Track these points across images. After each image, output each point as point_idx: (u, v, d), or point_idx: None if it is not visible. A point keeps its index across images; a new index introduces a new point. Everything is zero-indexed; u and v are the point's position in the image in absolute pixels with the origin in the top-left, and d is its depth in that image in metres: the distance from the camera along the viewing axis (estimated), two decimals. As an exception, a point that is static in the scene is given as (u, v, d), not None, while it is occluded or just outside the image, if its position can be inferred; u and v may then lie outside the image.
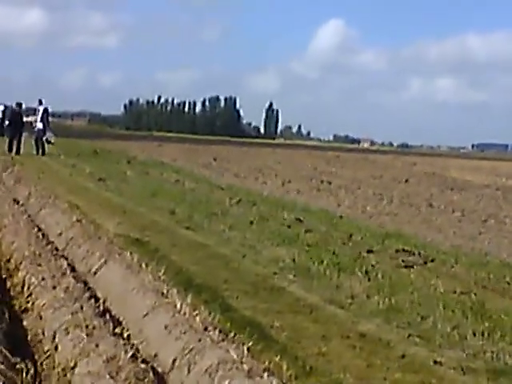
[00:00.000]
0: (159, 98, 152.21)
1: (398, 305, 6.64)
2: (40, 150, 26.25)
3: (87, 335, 4.20)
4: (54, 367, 4.18)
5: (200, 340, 3.97)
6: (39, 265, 6.02)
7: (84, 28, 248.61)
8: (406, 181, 25.78)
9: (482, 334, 5.83)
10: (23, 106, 27.79)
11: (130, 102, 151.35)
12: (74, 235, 7.48)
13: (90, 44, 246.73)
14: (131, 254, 6.33)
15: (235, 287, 6.98)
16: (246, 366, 3.52)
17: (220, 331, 4.16)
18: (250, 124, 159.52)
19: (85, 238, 7.18)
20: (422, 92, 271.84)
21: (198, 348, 3.89)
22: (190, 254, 8.66)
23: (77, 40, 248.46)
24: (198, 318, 4.36)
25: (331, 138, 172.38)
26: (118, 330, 4.52)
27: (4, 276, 6.40)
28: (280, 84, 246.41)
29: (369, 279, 7.62)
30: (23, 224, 8.11)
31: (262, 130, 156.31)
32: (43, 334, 4.71)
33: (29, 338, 4.87)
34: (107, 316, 4.76)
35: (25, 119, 26.96)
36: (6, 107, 31.89)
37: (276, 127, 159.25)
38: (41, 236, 7.53)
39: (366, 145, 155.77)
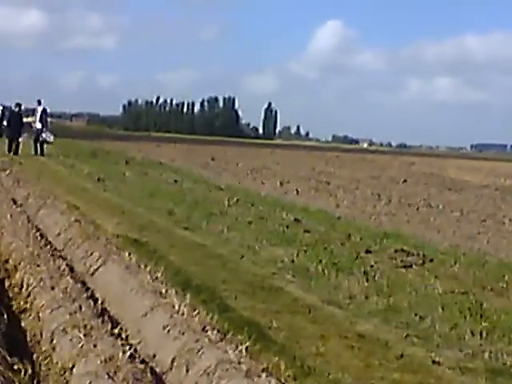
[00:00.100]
0: (158, 98, 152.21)
1: (397, 305, 6.65)
2: (39, 151, 26.24)
3: (85, 335, 4.20)
4: (52, 367, 4.18)
5: (198, 340, 3.97)
6: (38, 265, 6.02)
7: (82, 29, 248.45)
8: (405, 181, 25.78)
9: (481, 334, 5.83)
10: (22, 107, 27.76)
11: (129, 103, 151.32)
12: (72, 236, 7.48)
13: (88, 45, 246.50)
14: (130, 254, 6.33)
15: (233, 287, 6.99)
16: (244, 366, 3.53)
17: (218, 331, 4.17)
18: (248, 124, 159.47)
19: (83, 238, 7.18)
20: (421, 92, 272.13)
21: (196, 348, 3.90)
22: (189, 254, 8.67)
23: (75, 41, 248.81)
24: (196, 319, 4.37)
25: (330, 138, 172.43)
26: (116, 331, 4.52)
27: (2, 276, 6.39)
28: (279, 84, 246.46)
29: (367, 279, 7.62)
30: (22, 224, 8.11)
31: (261, 131, 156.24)
32: (41, 334, 4.71)
33: (27, 338, 4.87)
34: (105, 316, 4.76)
35: (24, 120, 26.94)
36: (4, 107, 31.87)
37: (275, 128, 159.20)
38: (39, 236, 7.53)
39: (364, 145, 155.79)
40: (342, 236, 10.46)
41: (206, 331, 4.12)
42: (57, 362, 4.16)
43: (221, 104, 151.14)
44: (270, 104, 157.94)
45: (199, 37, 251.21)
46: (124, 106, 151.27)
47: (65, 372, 4.02)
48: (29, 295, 5.51)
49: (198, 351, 3.86)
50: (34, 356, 4.50)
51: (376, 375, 4.83)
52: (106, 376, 3.63)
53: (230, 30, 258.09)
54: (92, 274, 6.16)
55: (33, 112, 27.51)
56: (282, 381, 3.69)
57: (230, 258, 8.62)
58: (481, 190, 24.37)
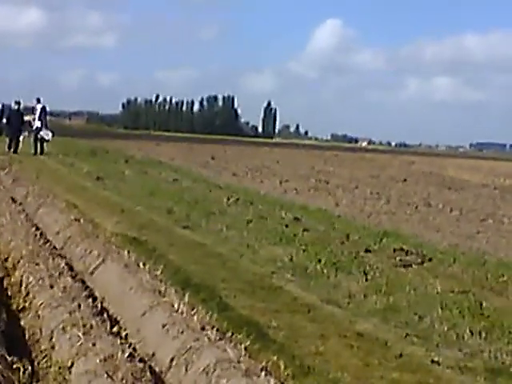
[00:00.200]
0: (157, 97, 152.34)
1: (396, 304, 6.65)
2: (38, 149, 26.20)
3: (84, 334, 4.20)
4: (51, 366, 4.17)
5: (197, 339, 3.97)
6: (37, 264, 6.01)
7: (82, 27, 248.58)
8: (404, 180, 25.79)
9: (480, 334, 5.83)
10: (21, 105, 27.70)
11: (128, 101, 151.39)
12: (71, 234, 7.48)
13: (88, 43, 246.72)
14: (129, 253, 6.33)
15: (233, 286, 6.98)
16: (243, 366, 3.53)
17: (217, 330, 4.17)
18: (247, 123, 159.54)
19: (82, 236, 7.17)
20: (420, 91, 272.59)
21: (195, 347, 3.89)
22: (188, 253, 8.66)
23: (75, 39, 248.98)
24: (195, 318, 4.37)
25: (329, 137, 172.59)
26: (115, 329, 4.52)
27: (1, 275, 6.39)
28: (278, 83, 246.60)
29: (366, 279, 7.62)
30: (21, 223, 8.11)
31: (260, 129, 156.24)
32: (41, 333, 4.70)
33: (26, 336, 4.86)
34: (105, 315, 4.76)
35: (25, 118, 26.89)
36: (4, 106, 31.83)
37: (274, 126, 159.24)
38: (38, 235, 7.52)
39: (363, 144, 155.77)
40: (341, 235, 10.45)
41: (206, 330, 4.12)
42: (56, 361, 4.16)
43: (220, 103, 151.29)
44: (269, 103, 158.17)
45: (199, 36, 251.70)
46: (123, 105, 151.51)
47: (64, 371, 4.01)
48: (28, 294, 5.51)
49: (197, 350, 3.86)
50: (33, 355, 4.50)
51: (375, 374, 4.83)
52: (105, 375, 3.63)
53: (229, 30, 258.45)
54: (91, 273, 6.16)
55: (32, 110, 27.45)
56: (281, 380, 3.69)
57: (230, 256, 8.61)
58: (480, 189, 24.37)
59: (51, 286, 5.31)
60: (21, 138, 26.07)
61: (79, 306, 4.77)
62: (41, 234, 7.74)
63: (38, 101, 26.85)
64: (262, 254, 8.85)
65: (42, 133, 26.04)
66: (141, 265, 5.85)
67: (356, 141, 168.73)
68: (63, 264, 6.14)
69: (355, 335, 5.69)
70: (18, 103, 27.09)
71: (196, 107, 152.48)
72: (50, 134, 26.45)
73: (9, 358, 4.04)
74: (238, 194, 15.43)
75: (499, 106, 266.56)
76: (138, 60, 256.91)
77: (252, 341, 4.33)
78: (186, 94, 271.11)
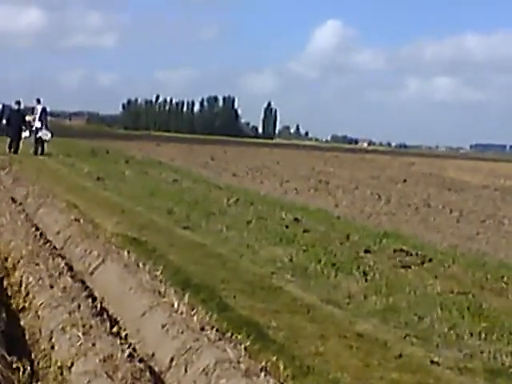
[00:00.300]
0: (157, 97, 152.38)
1: (396, 305, 6.65)
2: (39, 150, 26.19)
3: (84, 334, 4.20)
4: (50, 366, 4.17)
5: (197, 339, 3.97)
6: (37, 264, 6.01)
7: (82, 27, 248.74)
8: (404, 181, 25.78)
9: (479, 335, 5.83)
10: (22, 105, 27.68)
11: (129, 102, 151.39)
12: (71, 234, 7.48)
13: (88, 43, 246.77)
14: (129, 253, 6.33)
15: (232, 287, 6.98)
16: (243, 366, 3.53)
17: (217, 331, 4.17)
18: (248, 124, 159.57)
19: (82, 237, 7.17)
20: (421, 92, 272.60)
21: (195, 347, 3.89)
22: (188, 253, 8.66)
23: (75, 39, 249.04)
24: (195, 318, 4.37)
25: (329, 138, 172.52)
26: (115, 330, 4.52)
27: (1, 275, 6.39)
28: (278, 84, 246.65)
29: (366, 279, 7.62)
30: (21, 223, 8.11)
31: (260, 130, 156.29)
32: (40, 332, 4.70)
33: (26, 336, 4.86)
34: (104, 315, 4.76)
35: (27, 118, 26.87)
36: (4, 106, 31.82)
37: (274, 127, 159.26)
38: (38, 235, 7.52)
39: (364, 145, 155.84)
40: (341, 236, 10.45)
41: (205, 330, 4.12)
42: (56, 361, 4.15)
43: (220, 103, 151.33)
44: (269, 103, 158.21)
45: (199, 36, 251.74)
46: (123, 105, 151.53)
47: (63, 371, 4.01)
48: (28, 294, 5.51)
49: (197, 350, 3.86)
50: (33, 355, 4.50)
51: (375, 375, 4.83)
52: (105, 375, 3.63)
53: (229, 30, 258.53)
54: (91, 273, 6.16)
55: (32, 111, 27.45)
56: (281, 380, 3.69)
57: (230, 257, 8.62)
58: (480, 190, 24.37)
59: (51, 286, 5.31)
60: (23, 135, 26.04)
61: (79, 306, 4.77)
62: (41, 234, 7.74)
63: (38, 101, 26.85)
64: (261, 254, 8.85)
65: (41, 133, 26.04)
66: (141, 265, 5.85)
67: (356, 142, 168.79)
68: (63, 264, 6.14)
69: (355, 336, 5.69)
70: (18, 103, 27.07)
71: (196, 108, 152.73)
72: (50, 135, 26.44)
73: (8, 358, 4.04)
74: (238, 195, 15.43)
75: (499, 107, 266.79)
76: (138, 60, 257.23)
77: (252, 341, 4.33)
78: (187, 94, 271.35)
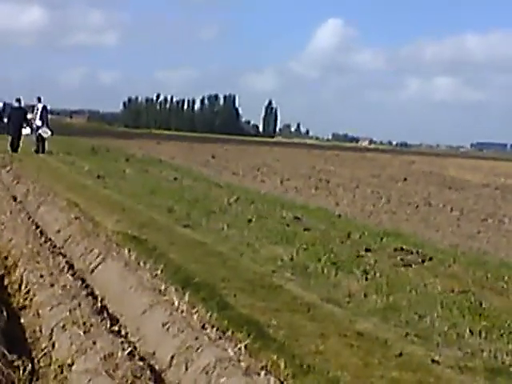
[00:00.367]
0: (158, 95, 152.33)
1: (396, 303, 6.65)
2: (40, 148, 26.19)
3: (85, 332, 4.20)
4: (51, 364, 4.17)
5: (197, 338, 3.97)
6: (37, 262, 6.02)
7: (83, 26, 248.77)
8: (405, 179, 25.78)
9: (480, 333, 5.83)
10: (22, 103, 27.65)
11: (129, 100, 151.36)
12: (72, 233, 7.48)
13: (89, 42, 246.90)
14: (129, 251, 6.33)
15: (233, 285, 6.98)
16: (243, 364, 3.52)
17: (217, 329, 4.17)
18: (248, 122, 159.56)
19: (83, 235, 7.17)
20: (421, 91, 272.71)
21: (195, 346, 3.89)
22: (188, 251, 8.66)
23: (76, 38, 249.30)
24: (195, 316, 4.36)
25: (330, 136, 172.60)
26: (115, 328, 4.51)
27: (2, 273, 6.39)
28: (279, 83, 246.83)
29: (366, 278, 7.62)
30: (21, 221, 8.11)
31: (261, 129, 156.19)
32: (41, 331, 4.71)
33: (26, 335, 4.86)
34: (105, 314, 4.76)
35: (28, 116, 26.86)
36: (5, 104, 31.81)
37: (275, 125, 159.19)
38: (39, 233, 7.53)
39: (364, 143, 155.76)
40: (341, 234, 10.45)
41: (206, 329, 4.12)
42: (56, 359, 4.16)
43: (221, 102, 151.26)
44: (270, 102, 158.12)
45: (199, 36, 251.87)
46: (124, 104, 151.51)
47: (64, 369, 4.02)
48: (28, 292, 5.51)
49: (197, 349, 3.86)
50: (34, 353, 4.50)
51: (375, 374, 4.83)
52: (105, 373, 3.63)
53: (229, 30, 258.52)
54: (91, 271, 6.16)
55: (32, 109, 27.45)
56: (281, 379, 3.68)
57: (230, 255, 8.62)
58: (481, 189, 24.37)
59: (51, 285, 5.31)
60: (24, 132, 26.04)
61: (79, 304, 4.77)
62: (41, 232, 7.74)
63: (39, 100, 26.84)
64: (262, 252, 8.85)
65: (40, 130, 26.06)
66: (141, 263, 5.85)
67: (357, 140, 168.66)
68: (63, 262, 6.14)
69: (355, 334, 5.69)
70: (19, 101, 27.04)
71: (197, 106, 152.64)
72: (49, 132, 26.44)
73: (9, 356, 4.04)
74: (239, 193, 15.43)
75: (499, 106, 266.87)
76: (139, 59, 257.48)
77: (252, 340, 4.33)
78: (187, 92, 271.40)
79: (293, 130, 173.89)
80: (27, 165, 19.40)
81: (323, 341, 5.43)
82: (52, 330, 4.51)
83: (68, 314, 4.58)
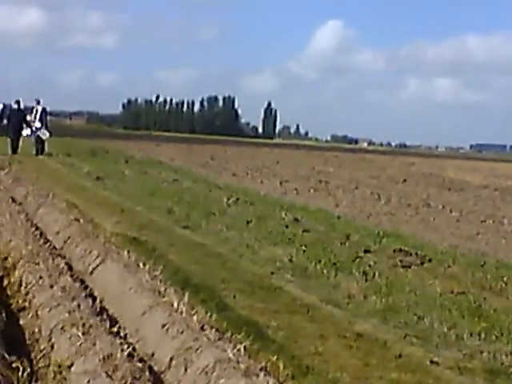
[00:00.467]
0: (157, 97, 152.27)
1: (395, 305, 6.65)
2: (39, 150, 26.18)
3: (84, 334, 4.20)
4: (50, 366, 4.17)
5: (197, 339, 3.97)
6: (36, 263, 6.02)
7: (82, 27, 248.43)
8: (404, 181, 25.78)
9: (479, 334, 5.84)
10: (21, 105, 27.63)
11: (129, 102, 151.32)
12: (71, 234, 7.48)
13: (88, 43, 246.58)
14: (129, 253, 6.33)
15: (232, 286, 6.98)
16: (242, 366, 3.53)
17: (217, 330, 4.17)
18: (248, 124, 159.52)
19: (82, 236, 7.18)
20: (421, 92, 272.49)
21: (194, 347, 3.90)
22: (188, 253, 8.66)
23: (75, 39, 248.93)
24: (194, 318, 4.37)
25: (329, 137, 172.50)
26: (114, 329, 4.52)
27: (1, 274, 6.39)
28: (278, 84, 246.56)
29: (366, 279, 7.62)
30: (21, 223, 8.11)
31: (260, 130, 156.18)
32: (40, 332, 4.71)
33: (25, 336, 4.86)
34: (104, 315, 4.76)
35: (28, 118, 26.84)
36: (4, 106, 31.79)
37: (274, 127, 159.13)
38: (38, 235, 7.53)
39: (364, 145, 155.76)
40: (341, 236, 10.46)
41: (205, 330, 4.12)
42: (55, 360, 4.16)
43: (220, 103, 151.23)
44: (269, 103, 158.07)
45: (199, 36, 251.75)
46: (123, 105, 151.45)
47: (63, 370, 4.01)
48: (27, 293, 5.51)
49: (197, 350, 3.86)
50: (33, 354, 4.50)
51: (374, 375, 4.83)
52: (105, 374, 3.63)
53: (229, 30, 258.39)
54: (91, 273, 6.16)
55: (31, 111, 27.43)
56: (281, 380, 3.69)
57: (229, 257, 8.62)
58: (480, 190, 24.37)
59: (51, 286, 5.31)
60: (23, 133, 26.03)
61: (79, 305, 4.77)
62: (40, 233, 7.74)
63: (38, 102, 26.84)
64: (261, 254, 8.85)
65: (39, 132, 26.07)
66: (140, 265, 5.86)
67: (356, 142, 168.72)
68: (63, 264, 6.15)
69: (354, 335, 5.69)
70: (18, 103, 27.01)
71: (196, 107, 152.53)
72: (48, 134, 26.43)
73: (8, 358, 4.04)
74: (238, 195, 15.43)
75: (499, 108, 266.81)
76: (138, 60, 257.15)
77: (251, 341, 4.33)
78: (187, 94, 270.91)
79: (292, 131, 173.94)
80: (26, 166, 19.40)
81: (322, 342, 5.44)
82: (51, 331, 4.51)
83: (67, 315, 4.58)
